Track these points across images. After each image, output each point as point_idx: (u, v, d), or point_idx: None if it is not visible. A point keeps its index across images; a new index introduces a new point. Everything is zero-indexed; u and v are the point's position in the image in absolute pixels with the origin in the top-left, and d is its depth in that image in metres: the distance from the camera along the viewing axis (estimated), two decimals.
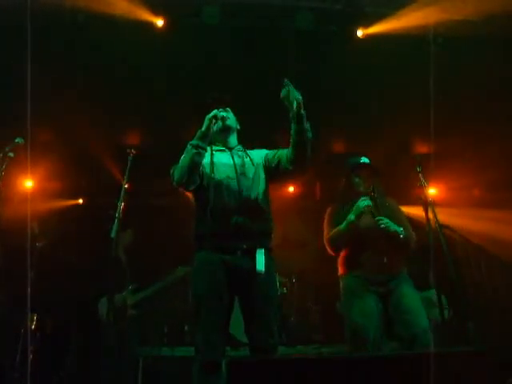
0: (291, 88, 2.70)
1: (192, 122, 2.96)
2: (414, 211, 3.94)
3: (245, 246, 2.78)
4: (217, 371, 2.60)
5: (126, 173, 3.40)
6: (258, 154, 3.08)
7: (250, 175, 2.93)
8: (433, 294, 4.28)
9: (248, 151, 3.09)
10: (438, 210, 3.27)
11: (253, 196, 2.87)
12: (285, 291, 5.52)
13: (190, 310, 2.86)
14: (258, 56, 5.05)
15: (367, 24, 4.87)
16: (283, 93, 2.72)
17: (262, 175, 2.99)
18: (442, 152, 6.41)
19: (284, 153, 2.92)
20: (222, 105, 3.01)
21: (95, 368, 4.26)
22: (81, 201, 6.45)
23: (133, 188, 3.65)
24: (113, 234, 3.19)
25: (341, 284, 3.57)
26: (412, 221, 3.78)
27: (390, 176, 4.57)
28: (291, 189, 7.34)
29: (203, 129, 2.87)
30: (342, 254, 3.58)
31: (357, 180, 3.61)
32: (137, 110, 5.57)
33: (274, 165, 2.97)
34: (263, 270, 2.76)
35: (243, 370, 1.96)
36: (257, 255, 2.78)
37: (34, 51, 3.05)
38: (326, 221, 3.68)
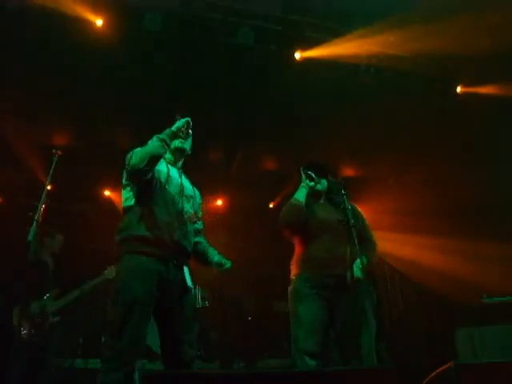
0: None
1: (123, 126, 2.90)
2: None
3: (175, 262, 2.83)
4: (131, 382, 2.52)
5: (50, 174, 3.25)
6: (198, 194, 3.21)
7: (191, 201, 3.07)
8: None
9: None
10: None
11: (188, 219, 2.98)
12: (207, 305, 5.47)
13: (111, 316, 2.63)
14: (194, 66, 5.05)
15: (305, 47, 5.03)
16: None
17: (196, 207, 3.12)
18: (367, 177, 6.68)
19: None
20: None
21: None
22: None
23: (56, 190, 3.50)
24: (30, 237, 3.01)
25: (289, 289, 3.38)
26: None
27: None
28: (219, 202, 7.35)
29: (173, 128, 2.87)
30: (297, 251, 3.45)
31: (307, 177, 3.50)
32: (67, 110, 5.37)
33: None
34: (192, 285, 2.88)
35: None
36: (184, 272, 2.86)
37: None
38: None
